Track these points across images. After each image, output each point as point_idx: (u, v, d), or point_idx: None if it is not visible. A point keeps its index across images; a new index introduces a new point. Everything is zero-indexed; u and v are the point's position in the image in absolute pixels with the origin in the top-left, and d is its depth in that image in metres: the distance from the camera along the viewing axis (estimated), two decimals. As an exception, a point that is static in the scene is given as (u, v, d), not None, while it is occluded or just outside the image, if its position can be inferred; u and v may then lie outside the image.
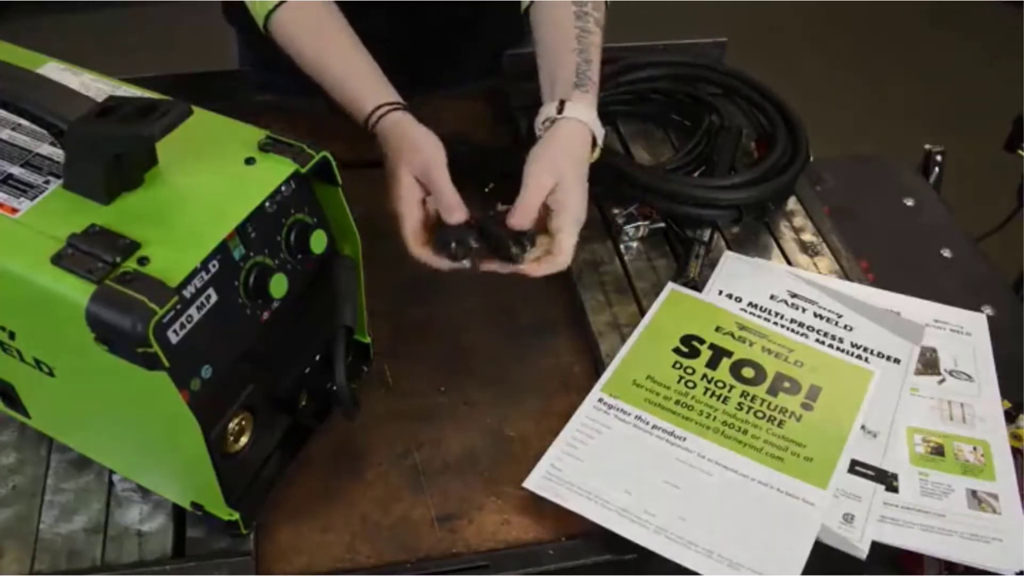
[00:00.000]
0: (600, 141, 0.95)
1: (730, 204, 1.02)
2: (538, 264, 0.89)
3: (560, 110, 0.93)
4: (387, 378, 0.90)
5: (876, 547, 0.77)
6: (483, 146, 1.12)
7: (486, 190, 1.11)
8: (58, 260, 0.63)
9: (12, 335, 0.70)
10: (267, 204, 0.70)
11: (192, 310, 0.64)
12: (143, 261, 0.63)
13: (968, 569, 0.78)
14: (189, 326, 0.64)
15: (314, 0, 0.97)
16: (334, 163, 0.74)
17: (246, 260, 0.69)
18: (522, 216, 0.87)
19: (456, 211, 0.88)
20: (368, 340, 0.87)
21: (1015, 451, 0.85)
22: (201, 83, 1.13)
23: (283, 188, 0.71)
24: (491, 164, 1.10)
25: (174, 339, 0.63)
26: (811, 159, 1.08)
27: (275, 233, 0.72)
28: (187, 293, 0.64)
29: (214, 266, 0.66)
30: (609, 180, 1.03)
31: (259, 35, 1.00)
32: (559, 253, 0.89)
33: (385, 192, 0.92)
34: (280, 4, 0.96)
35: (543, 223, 0.90)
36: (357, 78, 0.96)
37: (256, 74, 1.20)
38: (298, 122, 1.16)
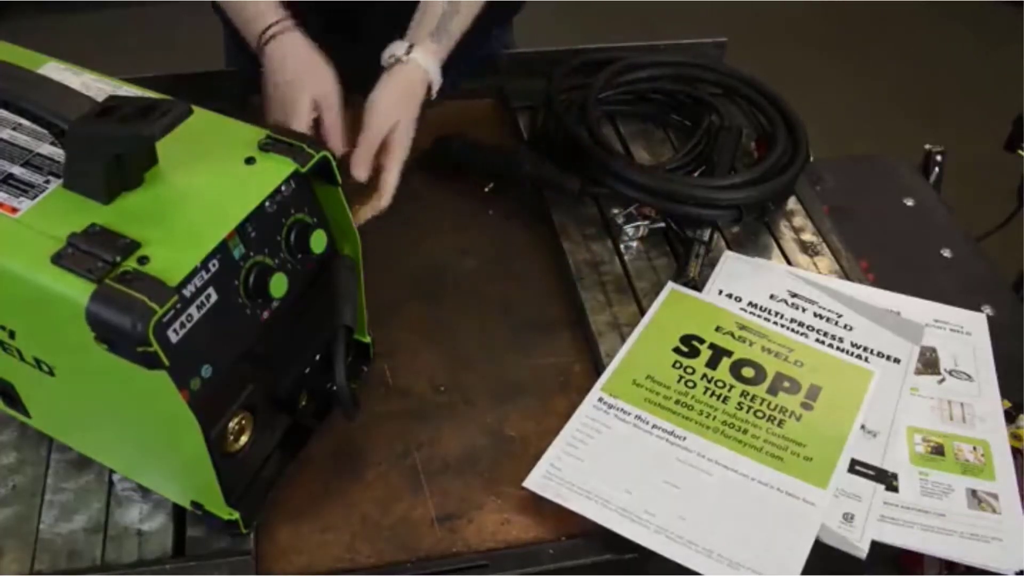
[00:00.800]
0: (435, 91, 1.01)
1: (730, 204, 1.02)
2: (360, 209, 0.95)
3: (408, 52, 0.99)
4: (387, 378, 0.90)
5: (876, 547, 0.77)
6: (482, 144, 1.12)
7: (486, 190, 1.11)
8: (58, 259, 0.63)
9: (12, 334, 0.70)
10: (267, 204, 0.70)
11: (192, 309, 0.64)
12: (143, 260, 0.63)
13: (968, 569, 0.78)
14: (189, 325, 0.64)
15: None
16: (334, 162, 0.74)
17: (246, 260, 0.69)
18: (361, 163, 0.94)
19: (339, 151, 0.95)
20: (368, 340, 0.87)
21: (1015, 451, 0.85)
22: (201, 83, 1.13)
23: (283, 188, 0.71)
24: (490, 163, 1.10)
25: (174, 338, 0.63)
26: (811, 159, 1.08)
27: (275, 233, 0.72)
28: (187, 292, 0.64)
29: (214, 265, 0.66)
30: (609, 181, 1.03)
31: None
32: (382, 193, 0.95)
33: (268, 104, 0.98)
34: None
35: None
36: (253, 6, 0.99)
37: (247, 71, 1.21)
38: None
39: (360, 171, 0.95)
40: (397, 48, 0.99)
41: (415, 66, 0.99)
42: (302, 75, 0.97)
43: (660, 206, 1.03)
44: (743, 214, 1.03)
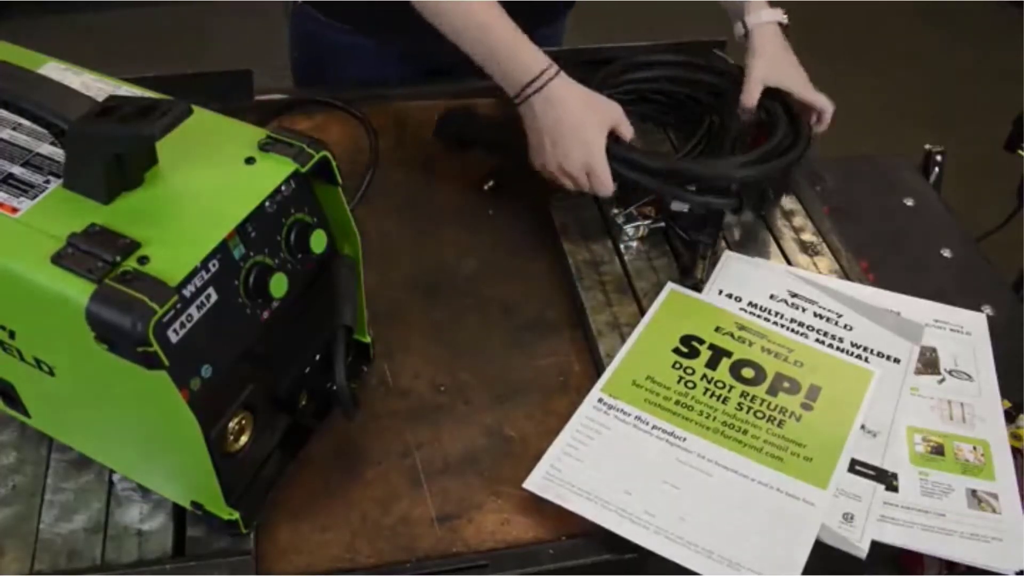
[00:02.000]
0: (785, 19, 1.12)
1: (728, 181, 1.01)
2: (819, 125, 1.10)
3: (754, 18, 1.10)
4: (387, 378, 0.90)
5: (876, 547, 0.77)
6: (491, 118, 1.13)
7: (485, 188, 1.11)
8: (58, 259, 0.63)
9: (12, 335, 0.70)
10: (267, 204, 0.70)
11: (192, 309, 0.64)
12: (143, 260, 0.63)
13: (968, 569, 0.78)
14: (189, 325, 0.64)
15: None
16: (334, 162, 0.74)
17: (246, 260, 0.69)
18: (749, 97, 1.07)
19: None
20: (368, 340, 0.87)
21: (1015, 451, 0.85)
22: (201, 83, 1.13)
23: (283, 188, 0.71)
24: (498, 138, 1.09)
25: (174, 338, 0.63)
26: (812, 146, 1.08)
27: (275, 233, 0.71)
28: (187, 292, 0.64)
29: (214, 265, 0.66)
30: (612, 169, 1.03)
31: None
32: (822, 108, 1.09)
33: (542, 150, 0.99)
34: None
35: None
36: (519, 44, 0.99)
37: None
38: (297, 121, 1.17)
39: (749, 102, 1.08)
40: (745, 21, 1.10)
41: (763, 25, 1.09)
42: (592, 110, 0.99)
43: (658, 189, 1.02)
44: (743, 204, 1.02)
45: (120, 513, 0.77)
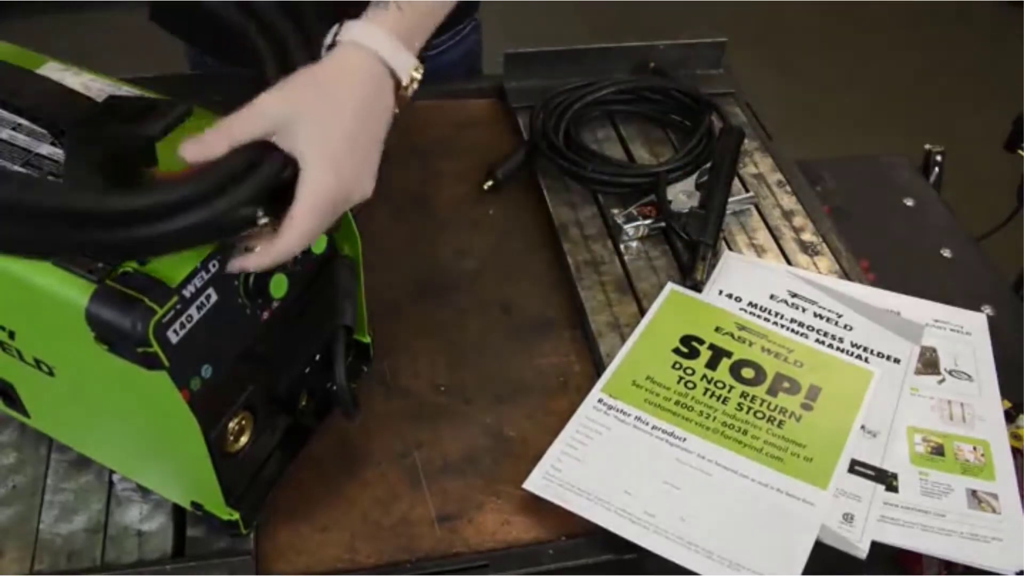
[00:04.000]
0: (406, 78, 0.69)
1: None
2: (248, 257, 0.65)
3: (338, 33, 0.68)
4: (387, 378, 0.90)
5: (876, 547, 0.77)
6: None
7: (485, 187, 1.11)
8: (58, 259, 0.63)
9: (12, 335, 0.70)
10: None
11: (192, 310, 0.64)
12: (143, 261, 0.63)
13: (968, 569, 0.78)
14: (189, 326, 0.64)
15: None
16: None
17: None
18: (195, 145, 0.62)
19: None
20: (368, 340, 0.87)
21: (1015, 451, 0.85)
22: (201, 83, 1.13)
23: None
24: None
25: (174, 339, 0.63)
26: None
27: None
28: (187, 293, 0.64)
29: (214, 266, 0.66)
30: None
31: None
32: (282, 233, 0.64)
33: None
34: None
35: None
36: None
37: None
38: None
39: (189, 154, 0.63)
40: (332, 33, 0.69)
41: (347, 46, 0.67)
42: None
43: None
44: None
45: (120, 513, 0.77)
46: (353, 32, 0.67)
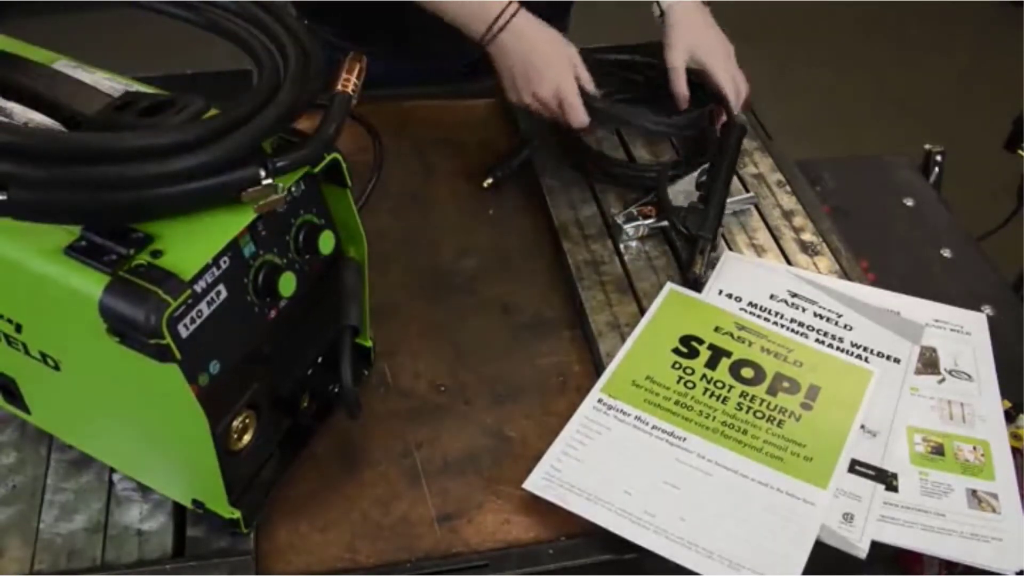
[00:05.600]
0: None
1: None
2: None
3: None
4: (387, 378, 0.90)
5: (876, 546, 0.77)
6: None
7: (485, 185, 1.11)
8: (71, 251, 0.63)
9: (19, 328, 0.70)
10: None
11: (203, 305, 0.64)
12: (156, 254, 0.64)
13: (968, 569, 0.78)
14: (199, 320, 0.64)
15: None
16: (344, 164, 0.74)
17: (256, 258, 0.69)
18: (677, 87, 1.08)
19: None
20: (370, 344, 0.87)
21: (1015, 451, 0.85)
22: (209, 82, 1.14)
23: (293, 188, 0.71)
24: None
25: (184, 333, 0.63)
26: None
27: (284, 233, 0.72)
28: (198, 288, 0.64)
29: (225, 262, 0.66)
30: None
31: None
32: (729, 91, 1.08)
33: (517, 82, 1.03)
34: None
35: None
36: None
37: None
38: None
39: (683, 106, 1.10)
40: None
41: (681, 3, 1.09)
42: (557, 44, 1.04)
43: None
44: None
45: (120, 513, 0.77)
46: None
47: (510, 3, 1.02)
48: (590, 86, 1.06)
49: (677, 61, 1.08)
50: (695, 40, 1.09)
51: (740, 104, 1.11)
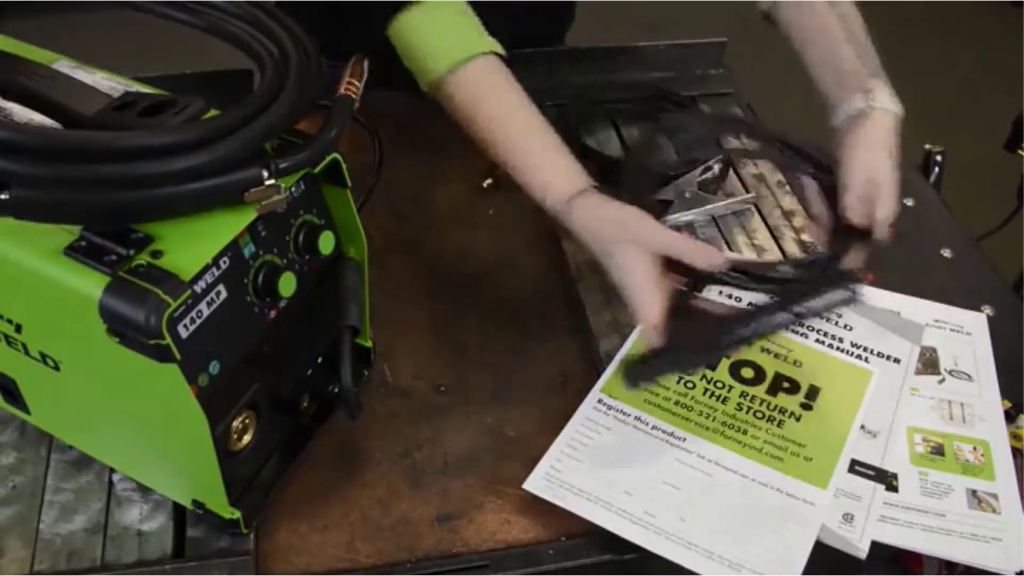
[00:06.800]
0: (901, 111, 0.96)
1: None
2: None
3: (866, 100, 0.93)
4: (387, 378, 0.90)
5: (876, 546, 0.77)
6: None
7: (484, 185, 1.11)
8: (71, 252, 0.63)
9: (19, 328, 0.70)
10: None
11: (203, 305, 0.65)
12: (156, 255, 0.64)
13: (968, 569, 0.78)
14: (199, 321, 0.64)
15: (498, 59, 0.92)
16: (343, 165, 0.74)
17: (256, 258, 0.69)
18: (856, 210, 0.87)
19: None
20: (369, 344, 0.87)
21: (1015, 451, 0.85)
22: (209, 82, 1.14)
23: (293, 188, 0.72)
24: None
25: (184, 333, 0.63)
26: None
27: (284, 233, 0.72)
28: (198, 288, 0.64)
29: (225, 263, 0.66)
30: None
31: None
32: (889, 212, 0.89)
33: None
34: (470, 59, 0.90)
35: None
36: (552, 153, 0.88)
37: None
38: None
39: (856, 218, 0.88)
40: (855, 103, 0.93)
41: (880, 110, 0.94)
42: (622, 227, 0.82)
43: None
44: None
45: (120, 513, 0.77)
46: (883, 101, 0.95)
47: (581, 186, 0.85)
48: (702, 261, 0.80)
49: (856, 181, 0.89)
50: (877, 163, 0.91)
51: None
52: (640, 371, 0.79)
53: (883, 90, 0.95)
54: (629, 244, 0.81)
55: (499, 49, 0.93)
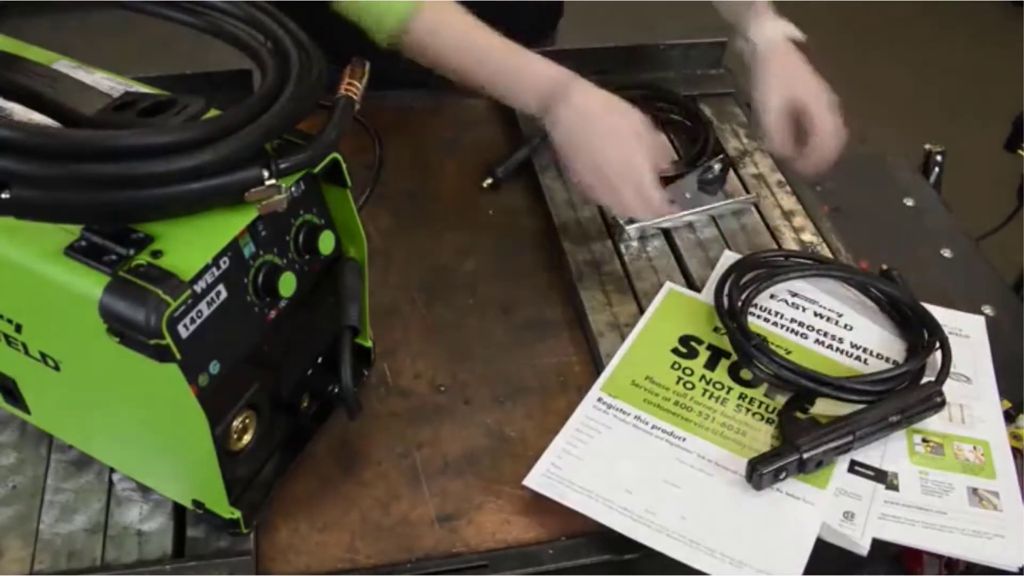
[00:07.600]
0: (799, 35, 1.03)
1: None
2: (808, 159, 0.99)
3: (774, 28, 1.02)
4: (387, 378, 0.90)
5: (877, 546, 0.77)
6: None
7: (484, 185, 1.11)
8: (71, 251, 0.63)
9: (19, 328, 0.70)
10: None
11: (203, 305, 0.65)
12: (156, 255, 0.64)
13: (968, 567, 0.78)
14: (199, 321, 0.64)
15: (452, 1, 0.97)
16: (344, 165, 0.74)
17: (256, 258, 0.69)
18: (779, 142, 0.98)
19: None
20: (369, 344, 0.87)
21: (1015, 451, 0.85)
22: (209, 82, 1.14)
23: (293, 188, 0.72)
24: None
25: (184, 333, 0.63)
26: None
27: (284, 233, 0.72)
28: (198, 288, 0.64)
29: (224, 263, 0.66)
30: None
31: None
32: (826, 137, 0.97)
33: (600, 153, 0.91)
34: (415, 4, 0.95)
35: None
36: (525, 57, 0.95)
37: None
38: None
39: (778, 148, 1.01)
40: (755, 32, 1.02)
41: (773, 40, 1.02)
42: (620, 115, 0.92)
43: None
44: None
45: (120, 513, 0.77)
46: (775, 29, 1.03)
47: (562, 75, 0.93)
48: (667, 161, 0.95)
49: (774, 102, 0.99)
50: (794, 81, 0.99)
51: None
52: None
53: (769, 18, 1.03)
54: (633, 135, 0.91)
55: None
